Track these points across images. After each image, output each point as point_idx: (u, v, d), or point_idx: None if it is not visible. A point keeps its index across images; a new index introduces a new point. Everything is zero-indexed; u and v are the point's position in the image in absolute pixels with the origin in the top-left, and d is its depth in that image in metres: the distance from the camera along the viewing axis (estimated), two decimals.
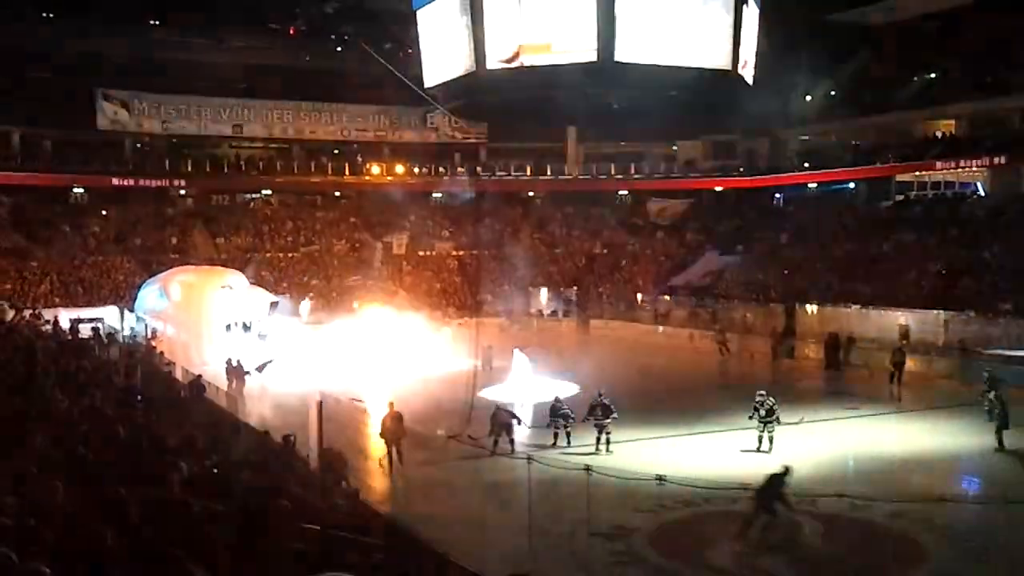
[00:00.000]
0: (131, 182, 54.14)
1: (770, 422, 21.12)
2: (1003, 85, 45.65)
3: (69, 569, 5.28)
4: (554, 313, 50.18)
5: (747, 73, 21.90)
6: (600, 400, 21.63)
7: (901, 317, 36.08)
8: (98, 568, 5.41)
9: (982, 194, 48.48)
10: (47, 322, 35.43)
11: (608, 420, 21.23)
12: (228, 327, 37.73)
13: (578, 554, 14.66)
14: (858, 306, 38.86)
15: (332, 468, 16.84)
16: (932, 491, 16.71)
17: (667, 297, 48.68)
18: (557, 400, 22.47)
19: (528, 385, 28.79)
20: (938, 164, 48.01)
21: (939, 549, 14.77)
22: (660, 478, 15.97)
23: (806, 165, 56.38)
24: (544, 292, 51.93)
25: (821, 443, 22.04)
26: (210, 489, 9.65)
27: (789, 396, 25.40)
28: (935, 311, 35.77)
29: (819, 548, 15.28)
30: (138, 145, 57.70)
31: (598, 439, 21.19)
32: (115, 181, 53.63)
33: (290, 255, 54.85)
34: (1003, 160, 44.76)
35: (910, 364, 30.49)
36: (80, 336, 34.00)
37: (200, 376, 24.42)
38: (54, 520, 6.44)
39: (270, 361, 28.65)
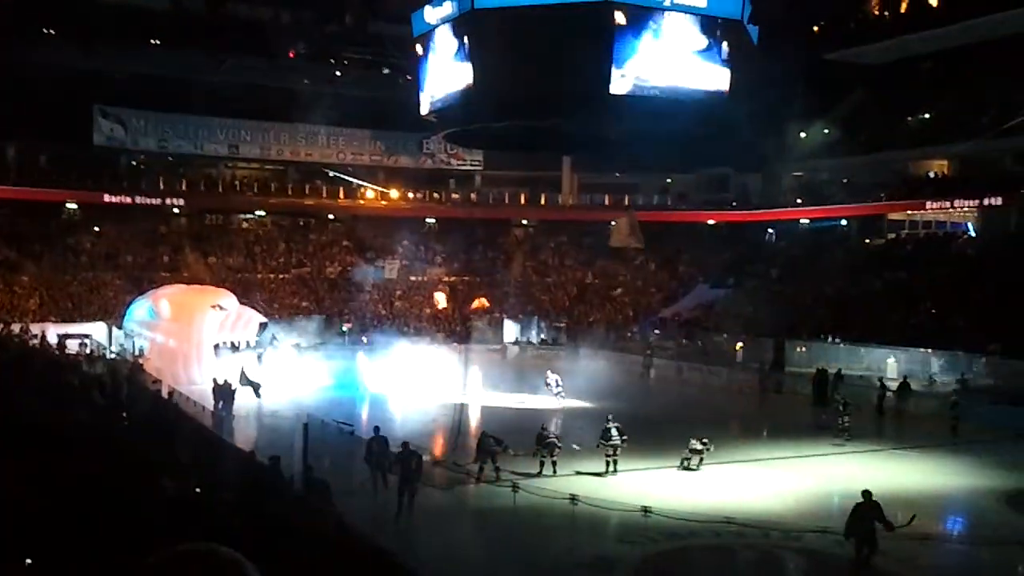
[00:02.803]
0: (125, 199, 54.06)
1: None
2: (996, 126, 46.02)
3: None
4: (544, 342, 50.16)
5: (740, 109, 22.18)
6: (610, 424, 21.99)
7: (890, 356, 36.18)
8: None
9: (972, 234, 48.76)
10: (35, 337, 35.36)
11: (620, 443, 21.64)
12: (217, 347, 37.65)
13: None
14: (847, 342, 38.96)
15: (316, 491, 16.76)
16: (917, 529, 16.68)
17: (656, 331, 48.73)
18: (544, 428, 22.44)
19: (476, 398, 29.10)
20: (929, 204, 48.32)
21: None
22: (645, 509, 15.93)
23: (799, 201, 56.67)
24: (535, 321, 51.93)
25: (806, 478, 22.03)
26: (193, 508, 9.60)
27: (776, 430, 25.40)
28: (923, 349, 35.88)
29: None
30: (133, 162, 57.78)
31: (607, 462, 21.59)
32: (109, 198, 53.55)
33: (281, 276, 54.80)
34: (997, 201, 45.06)
35: (896, 403, 30.79)
36: (67, 352, 33.94)
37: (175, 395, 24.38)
38: (34, 538, 6.41)
39: (256, 383, 28.56)
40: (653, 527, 16.32)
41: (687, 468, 22.39)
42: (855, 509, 14.73)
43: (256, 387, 28.22)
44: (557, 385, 31.69)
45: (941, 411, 29.74)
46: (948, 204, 47.37)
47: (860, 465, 23.80)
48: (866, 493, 14.88)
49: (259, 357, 36.00)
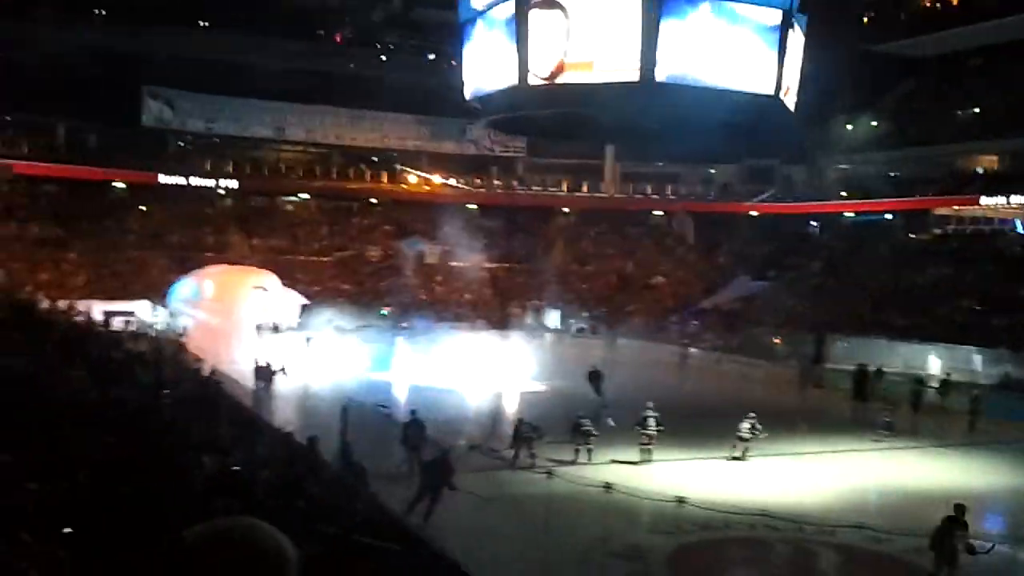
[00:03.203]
0: (172, 179, 54.70)
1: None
2: None
3: (88, 557, 5.39)
4: (582, 330, 50.13)
5: (789, 100, 21.91)
6: (648, 412, 22.11)
7: (932, 353, 35.75)
8: (117, 558, 5.52)
9: (1020, 231, 47.96)
10: (80, 314, 35.91)
11: (656, 432, 21.79)
12: (259, 328, 38.06)
13: (594, 572, 14.63)
14: (888, 338, 38.55)
15: (353, 472, 16.93)
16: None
17: (695, 322, 48.52)
18: (579, 417, 22.51)
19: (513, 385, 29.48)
20: (982, 200, 47.56)
21: None
22: (680, 500, 15.91)
23: (843, 194, 56.01)
24: (574, 309, 51.92)
25: (844, 474, 21.89)
26: (231, 486, 9.75)
27: (816, 425, 25.25)
28: (967, 346, 35.40)
29: None
30: (180, 143, 58.40)
31: (642, 451, 21.76)
32: (164, 178, 54.20)
33: (323, 259, 55.20)
34: None
35: (937, 399, 30.45)
36: (112, 329, 34.42)
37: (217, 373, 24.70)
38: (76, 508, 6.56)
39: (284, 368, 28.81)
40: (687, 518, 16.30)
41: (735, 458, 22.35)
42: (943, 523, 13.86)
43: (282, 369, 28.40)
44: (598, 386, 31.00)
45: (978, 408, 29.50)
46: (997, 200, 46.57)
47: (899, 462, 23.61)
48: (959, 508, 13.91)
49: (307, 340, 36.26)
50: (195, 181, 55.37)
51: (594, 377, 28.01)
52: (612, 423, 22.52)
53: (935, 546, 13.71)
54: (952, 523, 13.70)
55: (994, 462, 23.63)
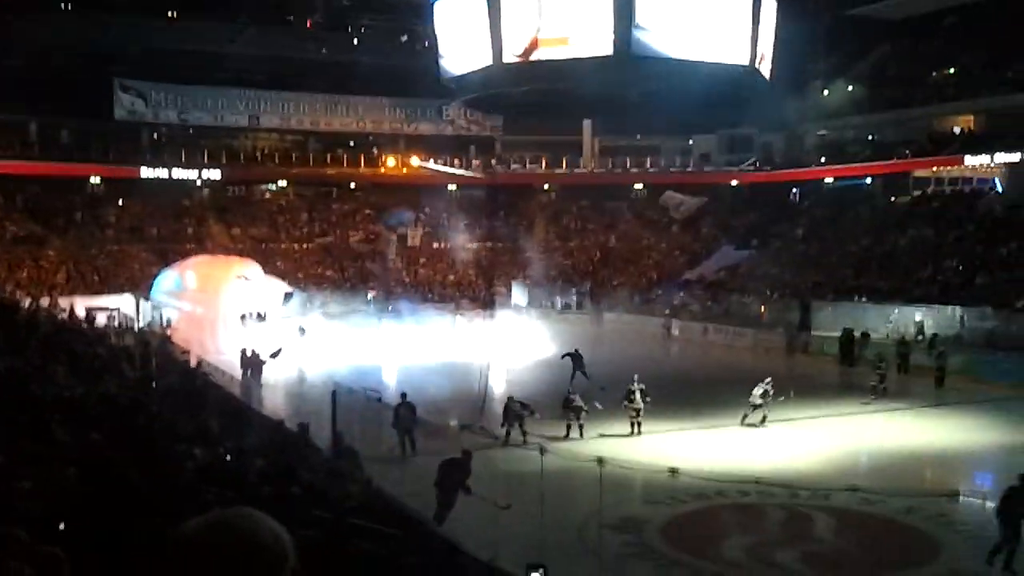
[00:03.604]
0: (148, 172, 54.30)
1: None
2: (1023, 80, 45.31)
3: (82, 553, 5.33)
4: (568, 306, 50.17)
5: (765, 68, 21.87)
6: (635, 385, 22.22)
7: (917, 313, 35.93)
8: (112, 553, 5.46)
9: (1000, 190, 48.16)
10: (63, 310, 35.69)
11: (644, 404, 21.94)
12: (243, 317, 37.93)
13: (590, 545, 14.67)
14: (873, 301, 38.74)
15: (346, 456, 16.91)
16: (946, 486, 16.64)
17: (681, 293, 48.67)
18: (570, 393, 22.58)
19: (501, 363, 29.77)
20: (959, 160, 47.74)
21: (953, 545, 14.70)
22: (673, 470, 15.95)
23: (823, 160, 56.11)
24: (558, 285, 51.95)
25: (834, 437, 22.02)
26: (223, 476, 9.71)
27: (803, 390, 25.36)
28: (950, 307, 35.61)
29: (832, 542, 15.27)
30: (155, 135, 57.91)
31: (632, 424, 21.94)
32: (132, 171, 53.81)
33: (305, 246, 55.01)
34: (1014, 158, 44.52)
35: (923, 359, 30.65)
36: (95, 324, 34.21)
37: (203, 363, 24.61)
38: (68, 505, 6.50)
39: (280, 350, 28.71)
40: (680, 488, 16.33)
41: (750, 425, 22.50)
42: (1009, 492, 13.28)
43: (277, 354, 28.32)
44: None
45: (964, 367, 29.76)
46: (980, 159, 46.73)
47: (887, 424, 23.78)
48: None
49: (301, 329, 36.20)
50: (172, 173, 54.95)
51: (576, 359, 27.79)
52: (600, 406, 22.52)
53: (1000, 516, 13.16)
54: (1017, 492, 13.16)
55: (981, 420, 23.79)
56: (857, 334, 33.49)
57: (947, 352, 29.92)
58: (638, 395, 22.08)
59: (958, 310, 35.11)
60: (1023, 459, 19.78)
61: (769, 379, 23.27)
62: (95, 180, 54.75)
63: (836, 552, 14.87)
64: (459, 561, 11.44)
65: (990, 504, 16.42)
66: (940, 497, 15.79)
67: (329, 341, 35.12)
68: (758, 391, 22.86)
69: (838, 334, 34.32)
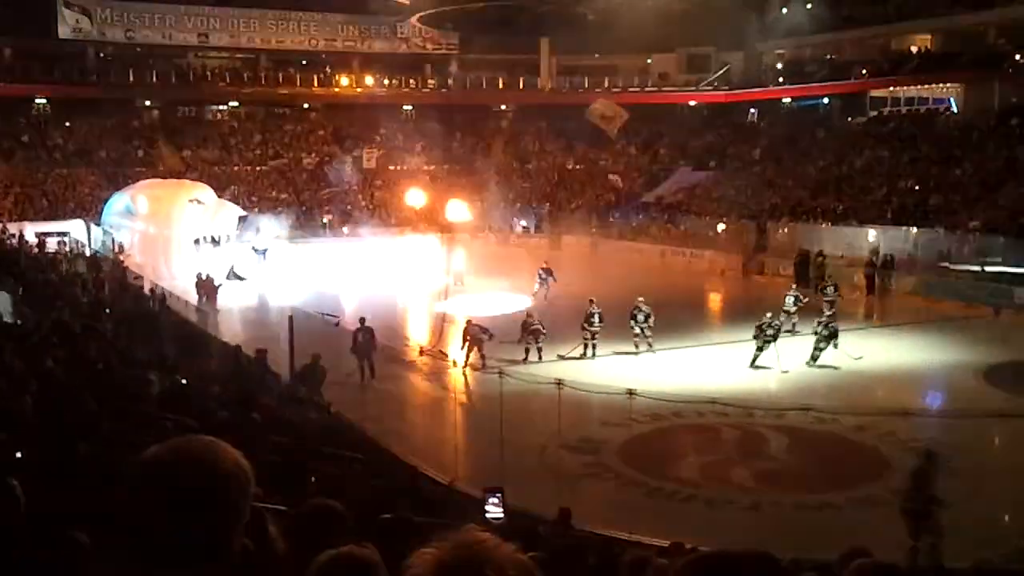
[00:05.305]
0: (95, 93, 52.88)
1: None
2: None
3: (41, 484, 5.27)
4: (526, 229, 50.04)
5: None
6: (593, 308, 22.37)
7: (872, 234, 36.29)
8: (69, 483, 5.40)
9: (955, 110, 48.44)
10: (12, 236, 35.05)
11: (598, 328, 22.13)
12: (197, 241, 37.45)
13: (549, 466, 14.85)
14: (829, 222, 39.07)
15: (306, 381, 16.90)
16: (896, 405, 17.02)
17: (639, 215, 48.72)
18: (529, 315, 22.64)
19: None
20: (913, 79, 47.84)
21: (902, 461, 15.02)
22: (630, 392, 16.13)
23: (781, 80, 55.96)
24: (516, 207, 51.71)
25: (788, 358, 22.30)
26: (182, 403, 9.64)
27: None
28: (905, 227, 36.00)
29: (785, 460, 15.59)
30: (101, 55, 56.21)
31: (585, 346, 22.21)
32: (78, 91, 52.37)
33: (258, 168, 54.15)
34: (977, 75, 44.75)
35: (880, 280, 31.19)
36: (46, 250, 33.68)
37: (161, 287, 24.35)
38: (24, 435, 6.41)
39: (236, 272, 28.45)
40: (637, 409, 16.56)
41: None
42: (917, 472, 12.11)
43: (232, 275, 28.08)
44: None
45: (917, 288, 30.28)
46: (929, 81, 46.87)
47: (840, 344, 24.10)
48: None
49: (263, 253, 35.76)
50: (118, 94, 53.58)
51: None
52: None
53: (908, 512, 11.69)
54: (924, 473, 12.04)
55: (932, 340, 24.22)
56: (813, 254, 33.80)
57: (886, 272, 31.19)
58: (596, 317, 22.20)
59: (912, 231, 35.52)
60: (967, 377, 20.37)
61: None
62: (40, 101, 53.25)
63: (789, 469, 15.21)
64: (420, 484, 11.54)
65: (939, 421, 16.88)
66: (890, 415, 16.15)
67: (285, 265, 34.85)
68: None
69: (794, 256, 34.62)
